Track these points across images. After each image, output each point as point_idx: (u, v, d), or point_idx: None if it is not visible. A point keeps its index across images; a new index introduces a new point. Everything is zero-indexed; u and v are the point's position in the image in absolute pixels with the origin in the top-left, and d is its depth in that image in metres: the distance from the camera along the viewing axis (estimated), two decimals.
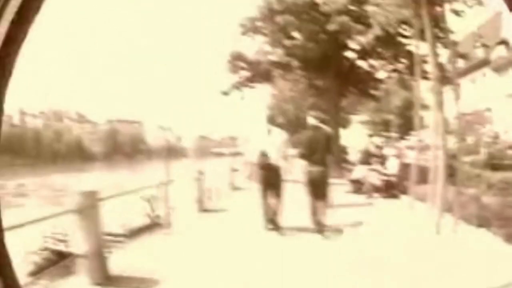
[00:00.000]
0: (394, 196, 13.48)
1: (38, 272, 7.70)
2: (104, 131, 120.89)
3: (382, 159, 14.40)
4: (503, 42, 32.31)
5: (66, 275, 9.79)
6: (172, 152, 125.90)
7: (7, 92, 1.53)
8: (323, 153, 8.67)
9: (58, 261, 9.37)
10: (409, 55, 20.82)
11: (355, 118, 46.71)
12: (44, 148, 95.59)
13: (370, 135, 48.23)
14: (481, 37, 20.45)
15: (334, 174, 16.75)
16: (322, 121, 10.05)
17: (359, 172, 14.56)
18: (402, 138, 41.73)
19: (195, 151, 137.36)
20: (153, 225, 9.46)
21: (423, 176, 15.36)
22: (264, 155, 8.82)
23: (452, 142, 34.60)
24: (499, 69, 35.57)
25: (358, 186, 14.51)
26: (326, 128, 10.24)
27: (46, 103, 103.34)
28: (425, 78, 22.50)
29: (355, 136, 42.80)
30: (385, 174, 13.84)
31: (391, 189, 13.68)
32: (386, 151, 15.08)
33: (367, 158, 15.17)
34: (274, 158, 8.86)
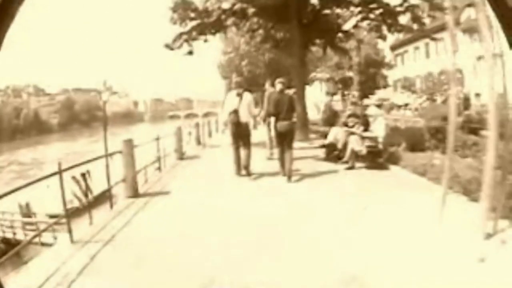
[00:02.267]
0: (382, 167, 10.76)
1: None
2: (61, 102, 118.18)
3: (364, 120, 11.45)
4: (473, 4, 31.17)
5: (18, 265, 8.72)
6: (128, 117, 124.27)
7: None
8: (288, 112, 10.05)
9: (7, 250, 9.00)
10: (381, 2, 18.41)
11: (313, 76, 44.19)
12: (4, 125, 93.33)
13: (331, 93, 46.21)
14: None
15: (301, 136, 14.77)
16: (283, 82, 10.38)
17: (335, 135, 11.80)
18: (364, 96, 39.76)
19: (150, 115, 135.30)
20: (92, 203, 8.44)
21: (411, 140, 12.94)
22: (234, 112, 10.32)
23: (419, 101, 32.82)
24: (469, 30, 34.90)
25: (332, 152, 11.86)
26: (289, 91, 11.60)
27: (3, 80, 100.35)
28: (399, 30, 20.20)
29: (315, 95, 40.58)
30: (369, 138, 11.01)
31: (377, 157, 10.95)
32: (370, 110, 12.17)
33: (337, 118, 12.60)
34: (243, 116, 10.38)
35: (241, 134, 10.49)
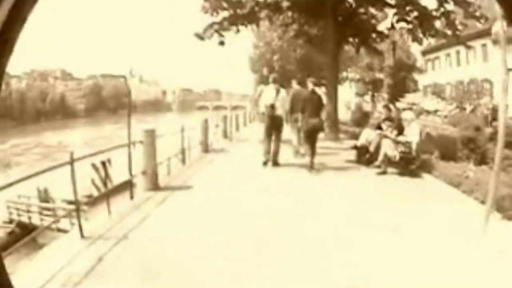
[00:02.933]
0: (414, 174, 10.23)
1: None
2: (88, 87, 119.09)
3: (398, 124, 10.94)
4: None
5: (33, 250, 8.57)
6: (156, 106, 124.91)
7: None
8: (317, 110, 10.90)
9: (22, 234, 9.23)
10: (418, 5, 17.84)
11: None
12: (28, 108, 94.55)
13: (361, 94, 45.58)
14: (480, 8, 18.03)
15: (331, 136, 14.63)
16: (314, 82, 11.61)
17: (367, 137, 11.35)
18: (394, 99, 39.02)
19: (179, 104, 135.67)
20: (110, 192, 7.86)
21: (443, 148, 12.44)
22: (271, 106, 11.16)
23: (449, 109, 31.82)
24: (499, 42, 33.60)
25: (364, 155, 11.39)
26: (319, 91, 12.08)
27: (30, 63, 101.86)
28: (433, 35, 19.52)
29: (345, 95, 39.93)
30: (403, 144, 10.50)
31: (409, 163, 10.41)
32: (405, 114, 11.64)
33: (367, 118, 12.20)
34: (278, 109, 11.27)
35: (275, 126, 11.35)
